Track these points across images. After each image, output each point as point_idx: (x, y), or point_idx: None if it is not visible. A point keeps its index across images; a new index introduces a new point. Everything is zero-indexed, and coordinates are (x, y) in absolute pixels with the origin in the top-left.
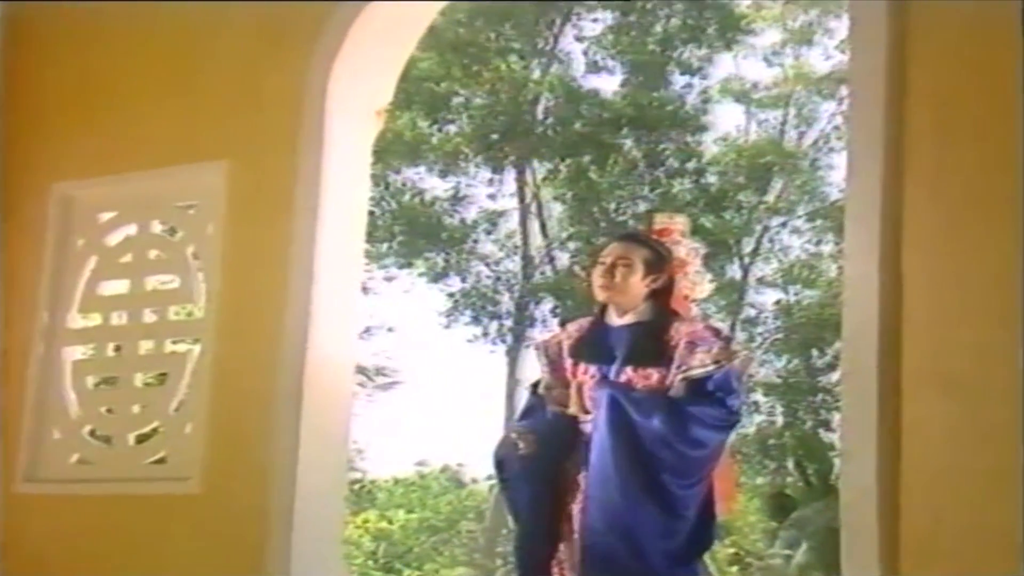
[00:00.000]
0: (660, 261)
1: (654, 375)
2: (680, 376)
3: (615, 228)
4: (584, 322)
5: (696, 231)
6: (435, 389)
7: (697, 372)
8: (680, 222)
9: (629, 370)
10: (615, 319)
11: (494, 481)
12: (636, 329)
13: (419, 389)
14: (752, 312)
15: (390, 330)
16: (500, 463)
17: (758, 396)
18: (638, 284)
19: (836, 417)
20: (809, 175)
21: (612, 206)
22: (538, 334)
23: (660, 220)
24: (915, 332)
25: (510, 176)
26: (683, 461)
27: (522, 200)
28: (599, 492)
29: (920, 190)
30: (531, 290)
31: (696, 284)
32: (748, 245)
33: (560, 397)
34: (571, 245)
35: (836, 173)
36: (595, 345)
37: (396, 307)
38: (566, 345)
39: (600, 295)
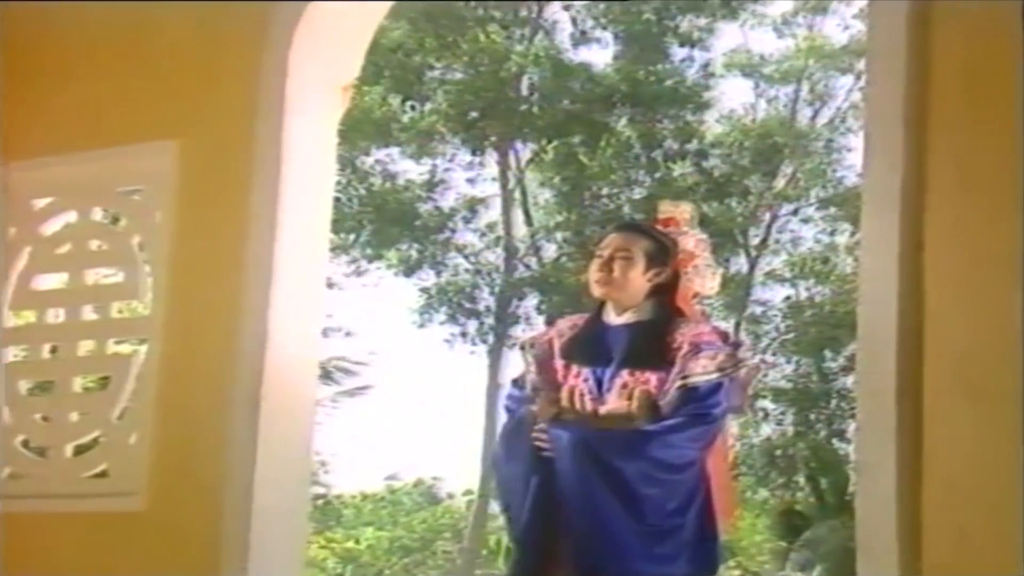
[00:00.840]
0: (663, 253)
1: (652, 379)
2: (679, 383)
3: (607, 216)
4: (578, 319)
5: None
6: (407, 395)
7: (698, 380)
8: (686, 210)
9: (625, 373)
10: (613, 317)
11: (472, 496)
12: (636, 329)
13: (390, 395)
14: (759, 310)
15: (356, 330)
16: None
17: (766, 403)
18: (639, 279)
19: (852, 426)
20: (823, 158)
21: (604, 192)
22: (521, 333)
23: (665, 209)
24: (939, 332)
25: (491, 159)
26: (669, 488)
27: (504, 185)
28: (582, 526)
29: (946, 174)
30: (514, 285)
31: (705, 280)
32: (755, 236)
33: (547, 402)
34: (559, 235)
35: (853, 156)
36: (590, 345)
37: (365, 304)
38: (557, 344)
39: (596, 290)
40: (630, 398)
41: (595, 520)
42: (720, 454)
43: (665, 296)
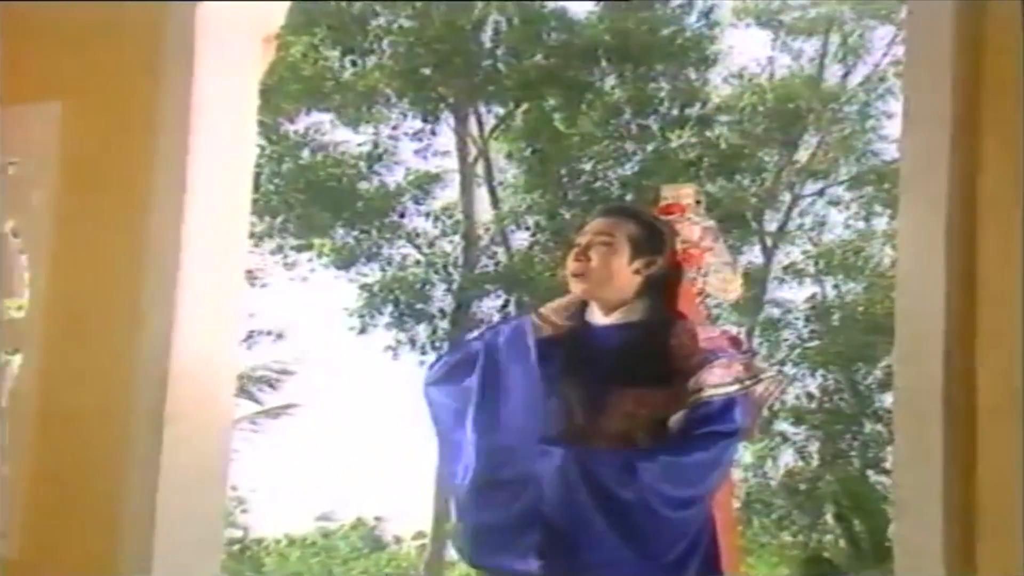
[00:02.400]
0: (652, 239)
1: (655, 395)
2: (691, 398)
3: (590, 197)
4: (558, 319)
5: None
6: (344, 415)
7: (714, 392)
8: (689, 193)
9: (620, 388)
10: (599, 317)
11: (424, 540)
12: (628, 332)
13: (322, 415)
14: (776, 312)
15: (282, 336)
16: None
17: (785, 426)
18: (623, 270)
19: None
20: (856, 126)
21: (586, 167)
22: None
23: (667, 192)
24: (993, 339)
25: (447, 126)
26: (673, 525)
27: (463, 159)
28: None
29: (1001, 147)
30: (476, 281)
31: (725, 280)
32: (771, 221)
33: None
34: (530, 220)
35: (893, 123)
36: (573, 352)
37: (292, 304)
38: (532, 342)
39: (575, 286)
40: (629, 417)
41: (587, 556)
42: (724, 488)
43: (662, 294)
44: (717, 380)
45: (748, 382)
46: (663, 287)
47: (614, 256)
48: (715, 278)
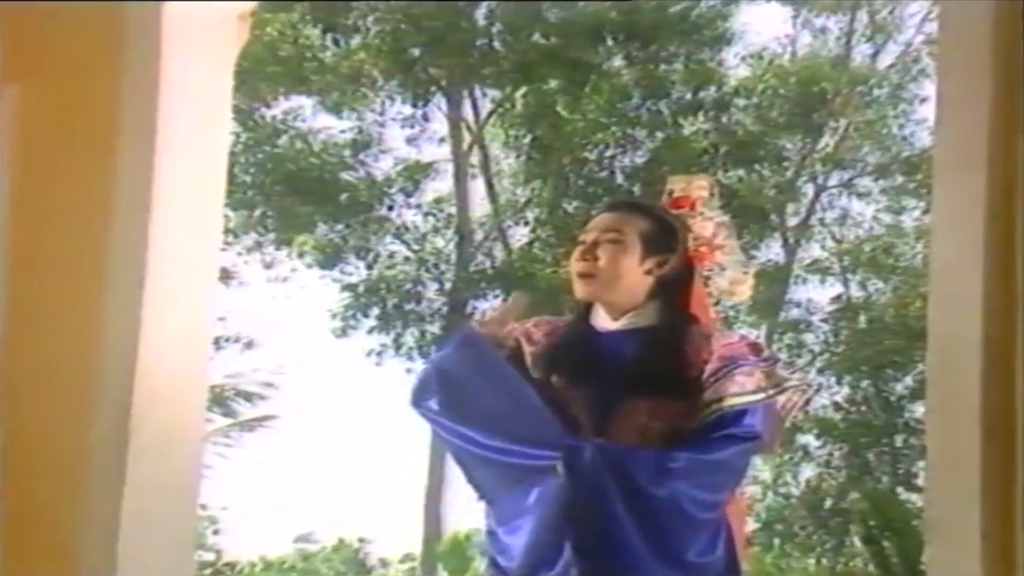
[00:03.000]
0: (665, 237)
1: (673, 409)
2: (712, 408)
3: (595, 189)
4: (558, 324)
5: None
6: (326, 428)
7: (736, 403)
8: (703, 186)
9: (633, 399)
10: (607, 322)
11: (414, 564)
12: (638, 339)
13: (302, 428)
14: (797, 314)
15: (259, 341)
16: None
17: (808, 438)
18: (634, 270)
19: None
20: (886, 110)
21: (591, 156)
22: None
23: (677, 186)
24: None
25: (438, 111)
26: (696, 528)
27: (457, 147)
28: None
29: None
30: (470, 280)
31: (735, 281)
32: (793, 215)
33: None
34: (530, 214)
35: (926, 107)
36: (578, 357)
37: (270, 305)
38: (528, 353)
39: (580, 289)
40: (642, 430)
41: (613, 553)
42: (738, 499)
43: (674, 296)
44: (738, 389)
45: (771, 391)
46: (675, 288)
47: (624, 255)
48: (723, 278)
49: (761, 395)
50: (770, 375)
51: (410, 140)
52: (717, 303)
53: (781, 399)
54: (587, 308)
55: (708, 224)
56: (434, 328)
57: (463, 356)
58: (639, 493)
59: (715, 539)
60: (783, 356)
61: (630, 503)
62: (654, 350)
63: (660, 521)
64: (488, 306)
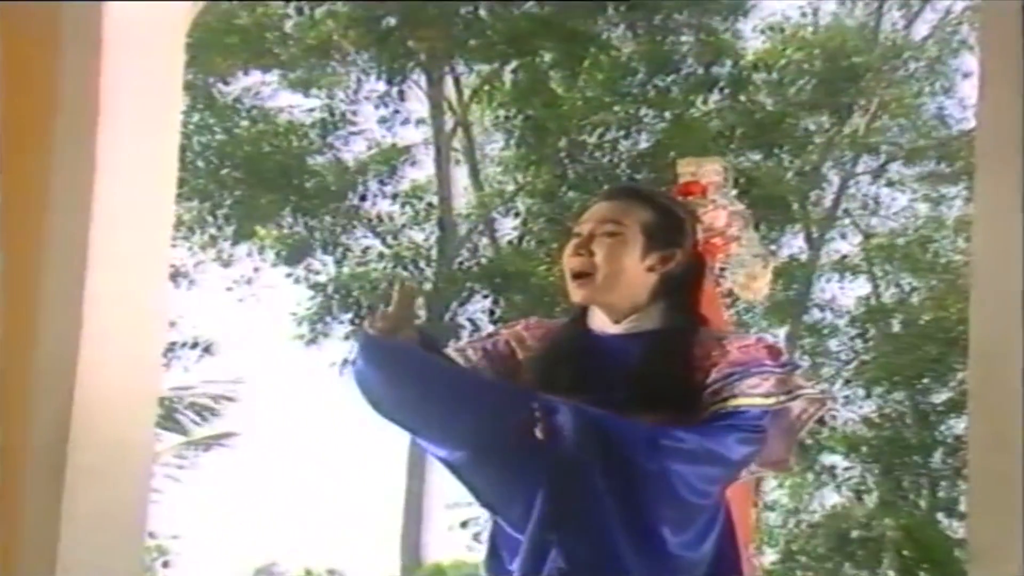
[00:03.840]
0: (671, 229)
1: (685, 424)
2: (715, 407)
3: (596, 176)
4: (552, 327)
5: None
6: (291, 447)
7: (744, 402)
8: (716, 170)
9: (634, 415)
10: (606, 325)
11: None
12: (642, 345)
13: (264, 447)
14: (822, 316)
15: (215, 349)
16: None
17: (834, 458)
18: (635, 267)
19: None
20: (922, 87)
21: (591, 139)
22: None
23: (687, 170)
24: None
25: (417, 88)
26: (690, 510)
27: (439, 129)
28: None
29: None
30: (454, 279)
31: (750, 277)
32: (818, 205)
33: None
34: (520, 204)
35: (968, 84)
36: (573, 368)
37: (227, 309)
38: (520, 355)
39: (575, 293)
40: None
41: (587, 538)
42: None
43: (682, 295)
44: (748, 391)
45: (783, 397)
46: (682, 287)
47: (623, 250)
48: (739, 273)
49: (771, 400)
50: (785, 381)
51: (385, 121)
52: (732, 302)
53: (795, 409)
54: (584, 309)
55: (721, 213)
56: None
57: (377, 370)
58: (624, 464)
59: (704, 533)
60: (806, 363)
61: (612, 476)
62: (660, 358)
63: (645, 500)
64: (476, 309)
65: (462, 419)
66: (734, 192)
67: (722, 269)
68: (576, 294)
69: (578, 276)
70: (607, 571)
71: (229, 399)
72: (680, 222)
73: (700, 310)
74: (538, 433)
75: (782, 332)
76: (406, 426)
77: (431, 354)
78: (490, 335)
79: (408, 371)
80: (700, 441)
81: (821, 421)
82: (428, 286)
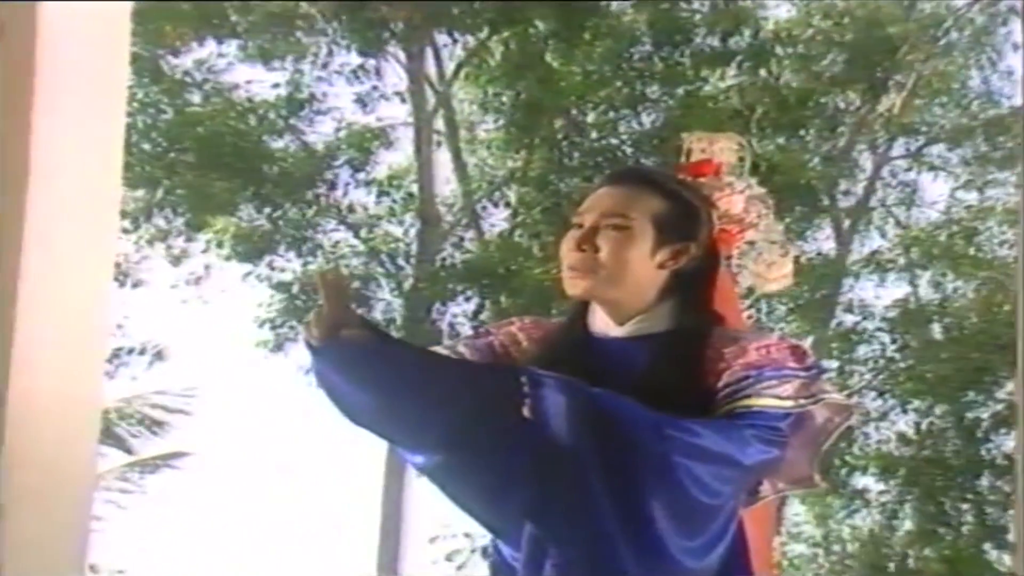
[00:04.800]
0: (684, 219)
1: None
2: (728, 407)
3: (597, 161)
4: (548, 327)
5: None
6: (252, 467)
7: (761, 403)
8: (731, 147)
9: None
10: (609, 327)
11: None
12: (650, 348)
13: (220, 468)
14: (853, 319)
15: (165, 356)
16: None
17: (866, 479)
18: (643, 264)
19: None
20: (967, 60)
21: (591, 119)
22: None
23: (696, 145)
24: None
25: (395, 62)
26: (699, 509)
27: (419, 108)
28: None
29: None
30: (436, 278)
31: (769, 266)
32: (847, 194)
33: None
34: (511, 193)
35: (1017, 57)
36: (570, 373)
37: (179, 311)
38: (526, 348)
39: (573, 286)
40: None
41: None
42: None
43: (694, 292)
44: (766, 392)
45: (803, 401)
46: (695, 282)
47: (631, 245)
48: (756, 262)
49: (790, 403)
50: (808, 386)
51: (359, 99)
52: (749, 297)
53: (819, 417)
54: (583, 308)
55: (738, 198)
56: None
57: (337, 376)
58: (624, 451)
59: (711, 544)
60: (834, 372)
61: (609, 464)
62: (669, 363)
63: (646, 492)
64: (461, 311)
65: (439, 408)
66: (749, 171)
67: (739, 258)
68: (574, 288)
69: (579, 271)
70: (601, 571)
71: (181, 413)
72: (694, 211)
73: (714, 307)
74: (525, 412)
75: (807, 340)
76: (381, 432)
77: (391, 342)
78: (479, 334)
79: (370, 367)
80: (710, 436)
81: (850, 438)
82: (407, 285)
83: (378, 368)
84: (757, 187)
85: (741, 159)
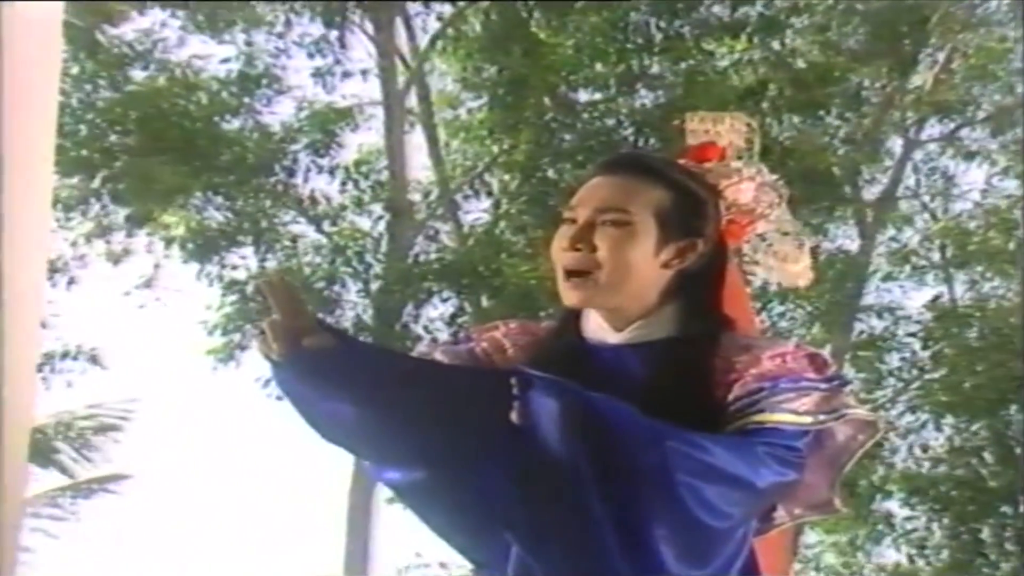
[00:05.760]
0: (692, 212)
1: None
2: (740, 423)
3: (591, 145)
4: (537, 331)
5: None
6: (200, 491)
7: (777, 419)
8: (738, 128)
9: None
10: (606, 333)
11: None
12: (653, 357)
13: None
14: (879, 324)
15: (103, 364)
16: None
17: (891, 504)
18: (648, 264)
19: None
20: (1005, 31)
21: (582, 97)
22: None
23: (698, 126)
24: None
25: (361, 33)
26: (699, 530)
27: (388, 85)
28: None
29: None
30: (407, 276)
31: (785, 260)
32: (872, 182)
33: None
34: (494, 180)
35: None
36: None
37: (120, 315)
38: (512, 356)
39: (571, 293)
40: None
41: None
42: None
43: (701, 293)
44: (783, 406)
45: (823, 417)
46: (701, 282)
47: (633, 243)
48: (769, 256)
49: (809, 419)
50: (829, 400)
51: (320, 75)
52: (761, 299)
53: (840, 435)
54: (576, 312)
55: (747, 186)
56: None
57: (303, 387)
58: (621, 463)
59: (722, 572)
60: (858, 383)
61: (604, 477)
62: (674, 374)
63: (645, 511)
64: (437, 315)
65: (418, 416)
66: (759, 156)
67: (748, 254)
68: (571, 296)
69: (575, 274)
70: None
71: (119, 429)
72: (701, 203)
73: (723, 310)
74: (513, 417)
75: (828, 347)
76: (355, 446)
77: (359, 346)
78: (459, 340)
79: (341, 375)
80: (719, 452)
81: (876, 457)
82: (376, 285)
83: (350, 375)
84: (768, 173)
85: (749, 142)
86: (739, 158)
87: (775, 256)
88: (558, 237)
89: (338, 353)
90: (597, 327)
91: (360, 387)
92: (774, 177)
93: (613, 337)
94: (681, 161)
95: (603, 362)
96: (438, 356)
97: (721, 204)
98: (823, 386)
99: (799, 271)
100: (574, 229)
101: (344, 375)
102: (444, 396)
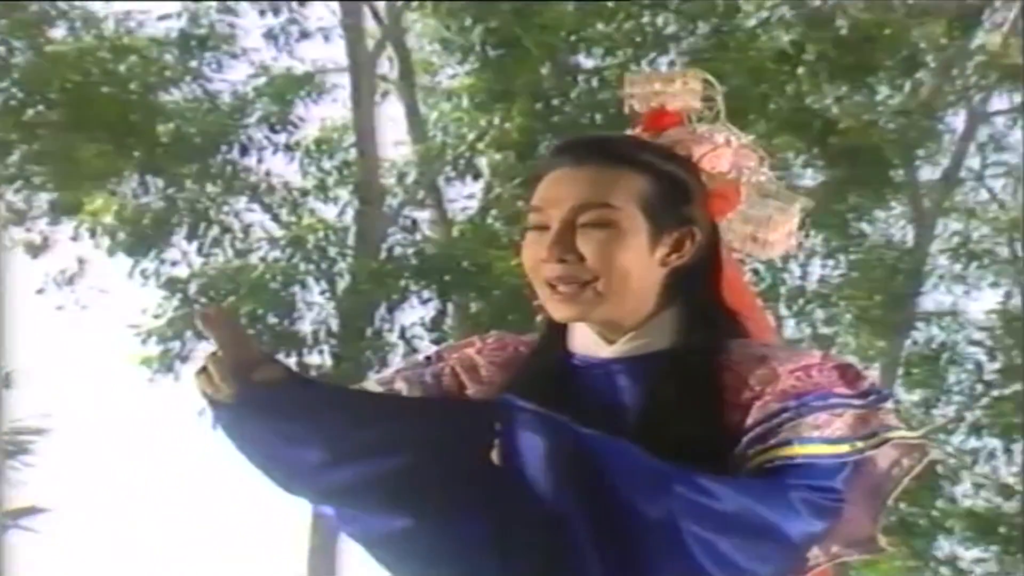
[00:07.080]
0: (678, 195)
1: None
2: (759, 457)
3: (593, 117)
4: (516, 346)
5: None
6: (129, 526)
7: (809, 451)
8: (692, 84)
9: None
10: (597, 346)
11: None
12: (651, 373)
13: (89, 527)
14: (937, 333)
15: (17, 380)
16: None
17: (954, 543)
18: (644, 265)
19: None
20: None
21: (586, 63)
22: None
23: (638, 88)
24: None
25: None
26: None
27: (355, 48)
28: None
29: None
30: (379, 276)
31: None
32: (930, 164)
33: None
34: (482, 160)
35: None
36: (555, 408)
37: (40, 317)
38: (472, 392)
39: (561, 307)
40: None
41: None
42: None
43: (699, 292)
44: (815, 433)
45: (863, 444)
46: (697, 278)
47: (624, 243)
48: (745, 225)
49: (846, 447)
50: (866, 420)
51: (274, 35)
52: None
53: (882, 462)
54: (561, 327)
55: (723, 152)
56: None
57: (257, 426)
58: (620, 511)
59: None
60: (908, 400)
61: (599, 527)
62: (677, 393)
63: (649, 565)
64: (415, 319)
65: (385, 456)
66: (722, 111)
67: (740, 218)
68: (563, 310)
69: (560, 283)
70: None
71: (30, 451)
72: (682, 183)
73: (728, 308)
74: (494, 458)
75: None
76: (319, 496)
77: (311, 383)
78: (427, 361)
79: (302, 408)
80: (736, 498)
81: (933, 488)
82: (343, 284)
83: (312, 412)
84: (739, 133)
85: (709, 100)
86: (699, 120)
87: (751, 225)
88: (529, 246)
89: (294, 387)
90: (586, 340)
91: (325, 426)
92: (749, 137)
93: (605, 351)
94: (634, 133)
95: (593, 380)
96: (399, 384)
97: (703, 178)
98: (857, 403)
99: (778, 238)
100: (550, 236)
101: (305, 411)
102: (413, 436)
